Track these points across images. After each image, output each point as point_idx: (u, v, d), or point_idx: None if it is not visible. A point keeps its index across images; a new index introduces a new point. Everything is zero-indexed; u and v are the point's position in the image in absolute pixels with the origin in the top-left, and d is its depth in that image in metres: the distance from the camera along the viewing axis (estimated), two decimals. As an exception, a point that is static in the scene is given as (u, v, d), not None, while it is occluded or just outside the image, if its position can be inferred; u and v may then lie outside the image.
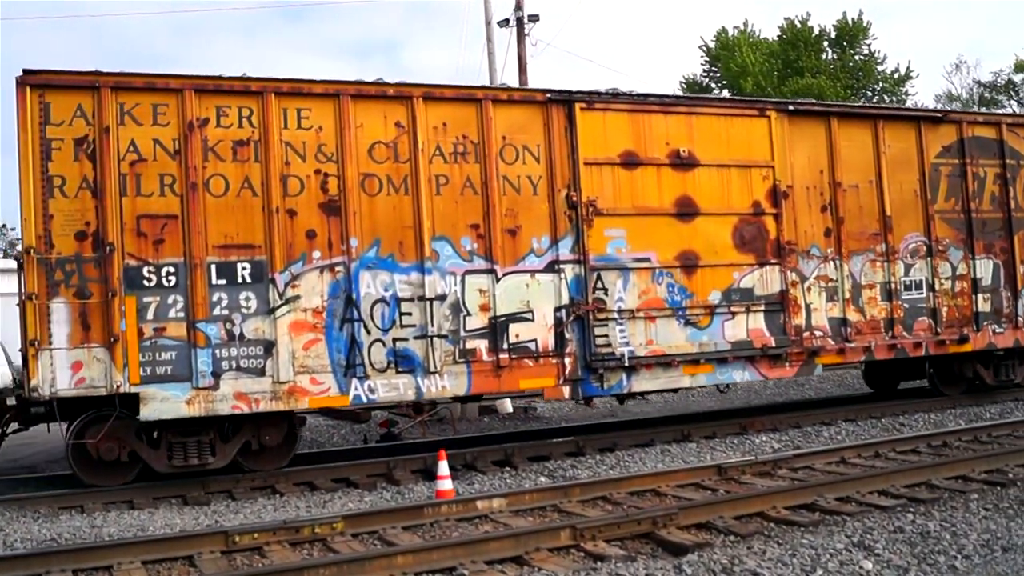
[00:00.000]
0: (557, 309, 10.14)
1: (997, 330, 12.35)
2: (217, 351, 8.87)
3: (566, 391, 10.24)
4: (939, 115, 12.57)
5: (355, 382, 9.35)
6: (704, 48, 44.38)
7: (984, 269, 12.35)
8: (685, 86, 43.93)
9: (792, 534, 6.33)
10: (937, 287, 12.01)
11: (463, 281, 9.82)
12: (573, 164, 10.28)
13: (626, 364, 10.34)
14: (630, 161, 10.56)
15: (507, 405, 14.57)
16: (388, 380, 9.48)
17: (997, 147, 12.52)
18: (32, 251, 8.39)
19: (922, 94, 66.48)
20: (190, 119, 8.91)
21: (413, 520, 7.10)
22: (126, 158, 8.74)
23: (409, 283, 9.60)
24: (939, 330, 11.99)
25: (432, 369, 9.60)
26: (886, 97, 40.88)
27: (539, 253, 10.14)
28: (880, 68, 42.13)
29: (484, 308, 9.86)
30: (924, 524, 6.42)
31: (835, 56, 42.32)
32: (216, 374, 8.85)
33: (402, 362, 9.53)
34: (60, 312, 8.48)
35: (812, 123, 11.56)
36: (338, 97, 9.44)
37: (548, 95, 10.38)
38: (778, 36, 42.53)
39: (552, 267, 10.16)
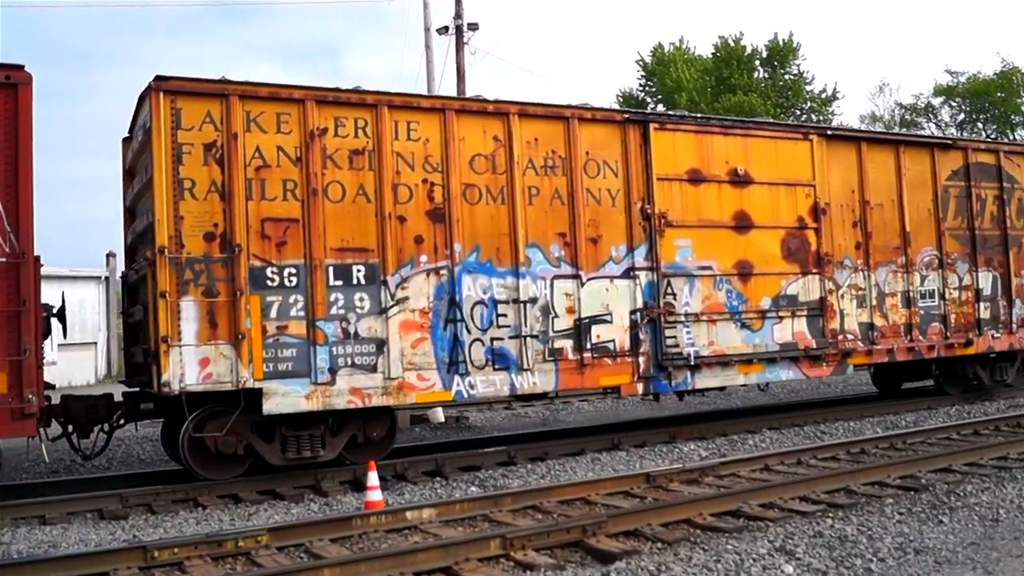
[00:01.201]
0: (632, 312, 10.21)
1: (995, 335, 12.87)
2: (334, 348, 8.69)
3: (640, 388, 10.31)
4: (949, 142, 13.04)
5: (457, 378, 9.25)
6: (641, 63, 43.99)
7: (985, 281, 12.85)
8: (621, 99, 43.48)
9: (717, 540, 6.23)
10: (947, 296, 12.46)
11: (552, 285, 9.80)
12: (647, 179, 10.36)
13: (692, 363, 10.48)
14: (695, 178, 10.69)
15: (439, 415, 13.05)
16: (486, 377, 9.42)
17: (996, 172, 13.04)
18: (164, 251, 8.13)
19: (847, 114, 68.54)
20: (311, 128, 8.71)
21: (341, 532, 6.64)
22: (252, 163, 8.49)
23: (505, 286, 9.55)
24: (948, 335, 12.44)
25: (525, 367, 9.57)
26: (814, 116, 41.32)
27: (617, 260, 10.19)
28: (808, 88, 42.51)
29: (570, 310, 9.86)
30: (842, 528, 6.38)
31: (766, 75, 42.55)
32: (333, 370, 8.66)
33: (498, 360, 9.47)
34: (189, 310, 8.19)
35: (845, 147, 11.87)
36: (443, 112, 9.32)
37: (626, 115, 10.45)
38: (712, 53, 42.55)
39: (628, 273, 10.22)
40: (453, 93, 19.07)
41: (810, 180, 11.42)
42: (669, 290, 10.41)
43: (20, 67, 7.78)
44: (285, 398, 8.46)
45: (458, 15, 20.87)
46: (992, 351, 12.89)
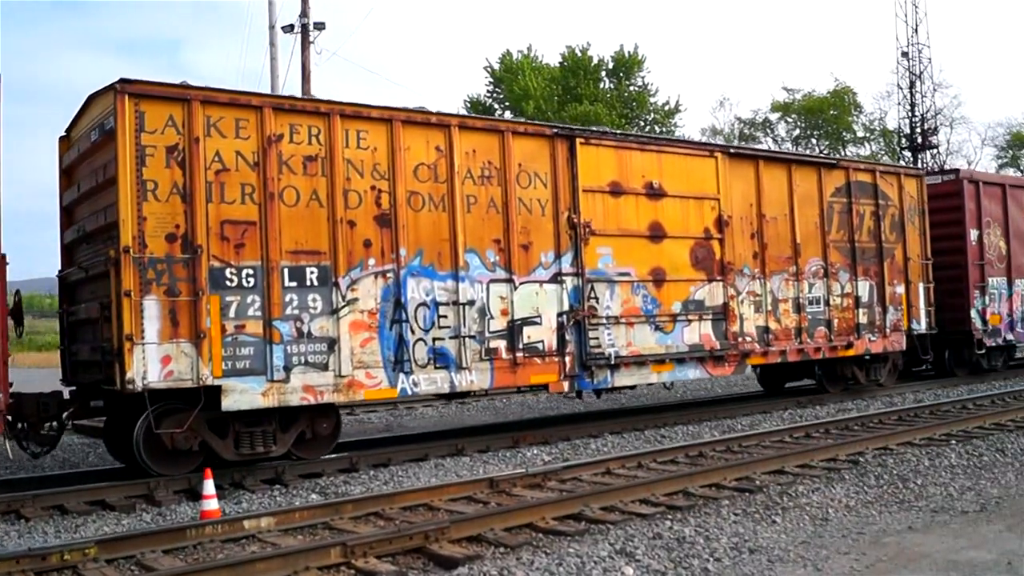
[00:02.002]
0: (560, 314, 11.37)
1: (871, 338, 14.83)
2: (288, 347, 9.42)
3: (566, 385, 11.48)
4: (833, 162, 14.94)
5: (402, 376, 10.15)
6: (489, 69, 45.29)
7: (863, 289, 14.79)
8: (469, 105, 44.79)
9: (559, 543, 6.42)
10: (831, 303, 14.29)
11: (488, 288, 10.83)
12: (573, 190, 11.56)
13: (612, 363, 11.76)
14: (615, 190, 11.98)
15: None
16: (428, 375, 10.36)
17: (873, 190, 15.02)
18: (128, 250, 8.67)
19: (689, 127, 72.60)
20: (268, 134, 9.42)
21: (174, 543, 6.58)
22: (212, 167, 9.12)
23: (445, 289, 10.51)
24: (832, 338, 14.27)
25: (463, 365, 10.56)
26: (657, 128, 43.64)
27: (546, 266, 11.34)
28: (652, 100, 44.97)
29: (504, 312, 10.93)
30: (680, 530, 6.65)
31: (612, 85, 44.66)
32: (287, 368, 9.39)
33: (439, 359, 10.43)
34: (152, 309, 8.75)
35: (745, 164, 13.48)
36: (391, 122, 10.21)
37: (555, 130, 11.63)
38: (560, 63, 44.36)
39: (556, 278, 11.38)
40: (297, 93, 19.18)
41: (715, 194, 12.95)
42: (592, 294, 11.65)
43: (-14, 67, 8.19)
44: (243, 395, 9.14)
45: (304, 13, 20.90)
46: (869, 353, 14.85)
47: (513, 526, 6.83)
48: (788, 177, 13.91)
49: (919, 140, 44.11)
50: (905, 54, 43.90)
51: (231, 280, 9.17)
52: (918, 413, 12.44)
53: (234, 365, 9.11)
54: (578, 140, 11.65)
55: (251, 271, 9.27)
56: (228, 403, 9.05)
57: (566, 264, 11.45)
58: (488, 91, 45.68)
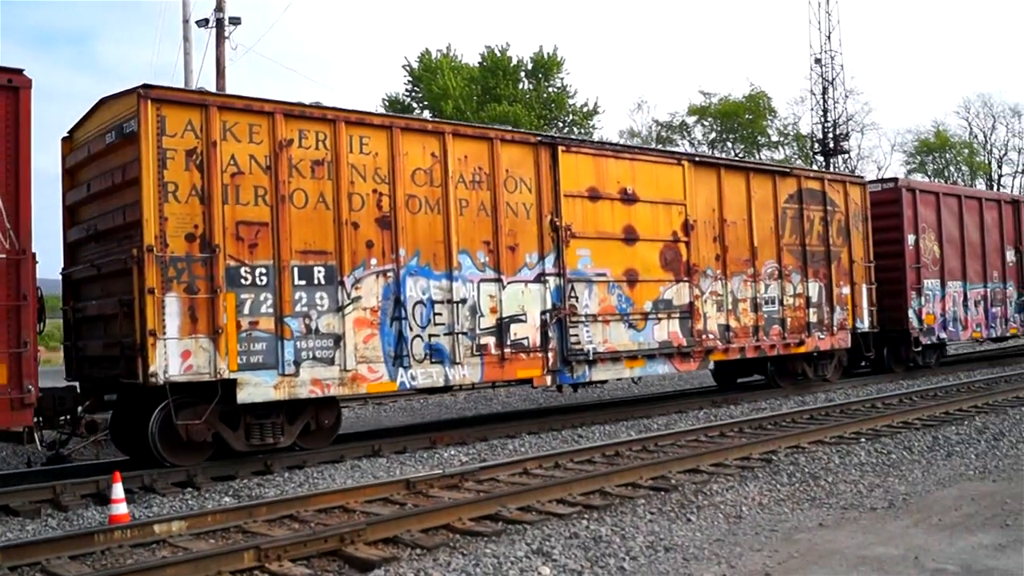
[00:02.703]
0: (543, 312, 12.31)
1: (820, 336, 16.19)
2: (298, 343, 10.13)
3: (548, 379, 12.42)
4: (787, 170, 16.25)
5: (401, 371, 10.94)
6: (407, 68, 45.85)
7: (814, 290, 16.12)
8: (388, 104, 45.25)
9: (476, 544, 6.50)
10: (785, 302, 15.58)
11: (479, 288, 11.70)
12: (556, 195, 12.51)
13: (590, 358, 12.77)
14: (593, 195, 12.99)
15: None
16: (425, 369, 11.18)
17: (822, 197, 16.38)
18: (152, 249, 9.28)
19: (607, 129, 74.72)
20: (280, 139, 10.11)
21: (82, 548, 6.54)
22: (227, 170, 9.78)
23: (440, 288, 11.34)
24: (786, 336, 15.57)
25: (456, 360, 11.41)
26: (576, 129, 44.97)
27: (531, 266, 12.27)
28: (571, 101, 46.18)
29: (493, 310, 11.81)
30: (597, 529, 6.78)
31: (531, 86, 45.76)
32: (297, 363, 10.10)
33: (435, 354, 11.25)
34: (172, 305, 9.37)
35: (708, 172, 14.64)
36: (391, 129, 11.00)
37: (539, 138, 12.58)
38: (479, 63, 45.10)
39: (540, 278, 12.31)
40: (212, 88, 19.15)
41: (682, 200, 14.07)
42: (573, 293, 12.63)
43: (20, 71, 8.71)
44: (257, 388, 9.82)
45: (219, 8, 20.84)
46: (818, 350, 16.20)
47: (430, 527, 6.91)
48: (746, 184, 15.14)
49: (831, 145, 46.64)
50: (818, 60, 46.48)
51: (245, 278, 9.84)
52: (829, 412, 12.96)
53: (248, 360, 9.79)
54: (560, 148, 12.62)
55: (264, 270, 9.96)
56: (243, 396, 9.72)
57: (549, 265, 12.40)
58: (407, 90, 46.17)
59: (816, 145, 48.13)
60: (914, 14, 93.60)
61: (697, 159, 14.69)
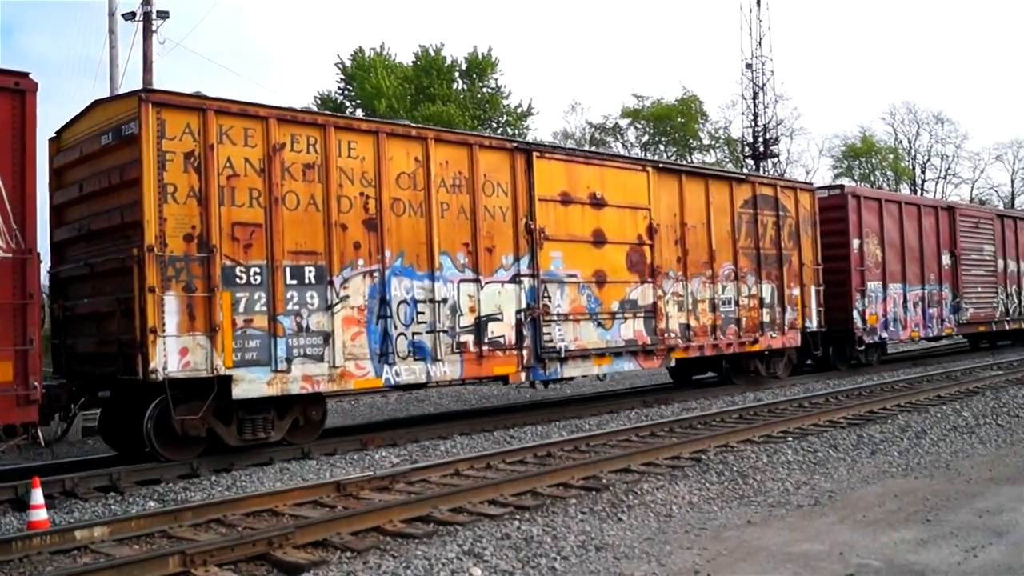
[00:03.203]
0: (518, 312, 12.96)
1: (773, 335, 17.16)
2: (290, 340, 10.59)
3: (523, 376, 13.08)
4: (743, 176, 17.20)
5: (386, 367, 11.48)
6: (340, 66, 45.81)
7: (767, 291, 17.08)
8: (319, 102, 45.15)
9: (407, 546, 6.53)
10: (740, 303, 16.50)
11: (458, 288, 12.28)
12: (530, 199, 13.17)
13: (562, 356, 13.47)
14: (565, 199, 13.68)
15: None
16: (408, 366, 11.73)
17: (774, 202, 17.38)
18: (152, 249, 9.67)
19: (541, 130, 75.85)
20: (273, 143, 10.57)
21: None
22: (223, 172, 10.20)
23: (423, 288, 11.90)
24: (741, 334, 16.49)
25: (438, 357, 11.99)
26: (509, 130, 45.28)
27: (507, 268, 12.90)
28: (505, 102, 46.48)
29: (472, 309, 12.42)
30: (528, 529, 6.85)
31: (465, 87, 46.03)
32: (289, 359, 10.56)
33: (417, 351, 11.81)
34: (171, 304, 9.77)
35: (670, 178, 15.47)
36: (377, 134, 11.50)
37: (515, 144, 13.24)
38: (413, 62, 45.19)
39: (515, 279, 12.96)
40: (139, 84, 19.31)
41: (647, 204, 14.87)
42: (546, 294, 13.31)
43: (26, 74, 9.02)
44: (251, 384, 10.27)
45: (147, 1, 20.65)
46: (770, 348, 17.18)
47: (360, 530, 6.91)
48: (705, 190, 16.01)
49: (761, 149, 48.20)
50: (749, 66, 47.98)
51: (240, 278, 10.29)
52: (757, 411, 13.23)
53: (243, 356, 10.23)
54: (535, 154, 13.30)
55: (258, 269, 10.41)
56: (238, 391, 10.16)
57: (524, 266, 13.06)
58: (339, 88, 46.10)
59: (746, 149, 49.64)
60: (842, 22, 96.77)
61: (661, 166, 15.52)
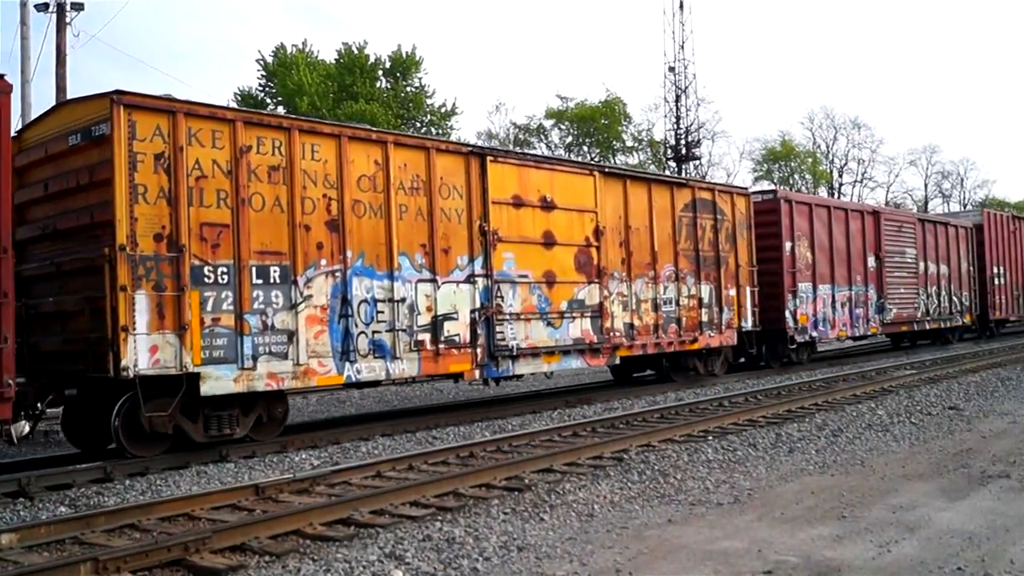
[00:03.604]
0: (473, 311, 13.59)
1: (711, 334, 18.12)
2: (256, 338, 11.02)
3: (477, 373, 13.70)
4: (683, 181, 18.10)
5: (348, 365, 11.98)
6: (261, 62, 46.11)
7: (705, 291, 18.01)
8: (240, 98, 45.40)
9: (328, 549, 6.54)
10: (681, 303, 17.40)
11: (416, 287, 12.85)
12: (484, 202, 13.79)
13: (514, 354, 14.14)
14: (517, 202, 14.34)
15: (23, 428, 11.81)
16: (369, 363, 12.25)
17: (712, 206, 18.33)
18: (124, 248, 10.02)
19: (465, 130, 76.85)
20: (240, 145, 10.98)
21: None
22: (192, 174, 10.57)
23: (382, 288, 12.43)
24: (681, 334, 17.40)
25: (397, 355, 12.54)
26: (433, 129, 46.29)
27: (462, 268, 13.51)
28: (429, 101, 47.55)
29: (429, 309, 12.99)
30: (450, 531, 6.90)
31: (389, 85, 46.78)
32: (255, 357, 10.98)
33: (377, 350, 12.34)
34: (142, 302, 10.12)
35: (616, 182, 16.26)
36: (339, 138, 11.99)
37: (470, 148, 13.87)
38: (336, 60, 45.79)
39: (470, 279, 13.58)
40: (52, 78, 19.49)
41: (593, 208, 15.64)
42: (499, 294, 13.96)
43: (1, 76, 9.31)
44: (218, 381, 10.68)
45: None
46: (708, 347, 18.14)
47: (279, 533, 6.90)
48: (648, 194, 16.86)
49: (683, 151, 49.79)
50: (672, 69, 49.56)
51: (209, 277, 10.68)
52: (679, 411, 13.49)
53: (211, 354, 10.63)
54: (488, 158, 13.94)
55: (225, 269, 10.82)
56: (206, 388, 10.56)
57: (478, 267, 13.69)
58: (260, 85, 46.21)
59: (669, 151, 51.11)
60: (764, 28, 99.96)
61: (607, 170, 16.31)
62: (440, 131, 45.95)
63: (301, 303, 11.49)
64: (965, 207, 79.09)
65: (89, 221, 10.38)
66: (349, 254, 12.03)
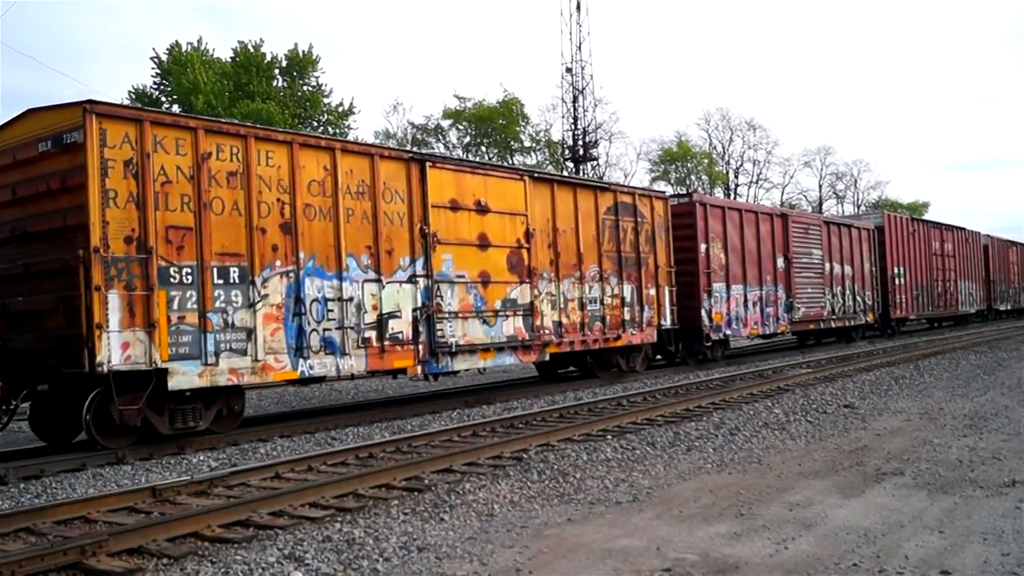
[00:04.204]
0: (415, 310, 14.93)
1: (633, 332, 19.83)
2: (217, 335, 12.14)
3: (419, 369, 15.05)
4: (606, 186, 19.78)
5: (301, 361, 13.18)
6: (156, 60, 46.40)
7: (628, 291, 19.72)
8: (134, 96, 45.68)
9: (226, 551, 6.65)
10: (605, 302, 19.06)
11: (363, 287, 14.13)
12: (424, 206, 15.17)
13: (453, 350, 15.53)
14: (455, 206, 15.76)
15: None
16: (320, 359, 13.48)
17: (633, 209, 20.06)
18: (98, 250, 11.04)
19: (363, 129, 77.51)
20: (201, 152, 12.12)
21: None
22: (158, 179, 11.65)
23: (332, 287, 13.67)
24: (606, 331, 19.05)
25: (345, 352, 13.79)
26: (331, 128, 47.21)
27: (404, 268, 14.84)
28: (326, 101, 48.56)
29: (374, 307, 14.28)
30: (350, 532, 7.03)
31: (286, 84, 47.65)
32: (217, 353, 12.11)
33: (328, 346, 13.58)
34: (114, 301, 11.16)
35: (543, 186, 17.79)
36: (291, 144, 13.21)
37: (411, 154, 15.21)
38: (231, 58, 46.36)
39: (412, 279, 14.92)
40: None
41: (524, 211, 17.15)
42: (439, 293, 15.34)
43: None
44: (184, 376, 11.78)
45: None
46: (631, 344, 19.85)
47: (177, 536, 7.02)
48: (574, 198, 18.46)
49: (581, 152, 51.70)
50: (569, 70, 51.42)
51: (174, 277, 11.77)
52: (577, 411, 13.98)
53: (177, 351, 11.72)
54: (428, 164, 15.32)
55: (189, 270, 11.92)
56: (173, 383, 11.65)
57: (419, 267, 15.04)
58: (155, 83, 46.44)
59: (567, 152, 52.95)
60: (660, 30, 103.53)
61: (536, 175, 17.86)
62: (338, 131, 46.71)
63: (259, 302, 12.65)
64: (859, 208, 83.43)
65: (61, 224, 11.36)
66: (302, 255, 13.24)
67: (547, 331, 17.52)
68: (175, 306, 11.75)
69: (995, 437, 10.63)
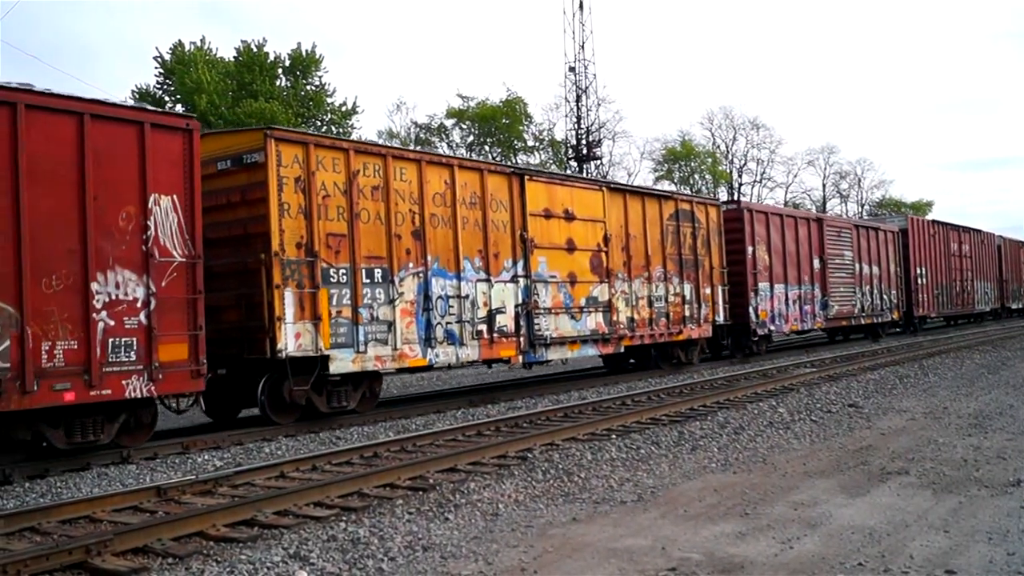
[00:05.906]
0: (517, 306, 16.91)
1: (692, 327, 21.77)
2: (366, 327, 14.13)
3: (520, 359, 17.03)
4: (669, 194, 21.80)
5: (429, 350, 15.16)
6: (159, 60, 46.28)
7: (687, 290, 21.72)
8: (137, 95, 45.60)
9: (231, 551, 6.66)
10: (669, 300, 21.05)
11: (476, 286, 16.10)
12: (523, 214, 17.15)
13: (547, 342, 17.52)
14: (547, 214, 17.73)
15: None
16: (444, 349, 15.45)
17: (691, 216, 22.08)
18: (278, 255, 13.02)
19: (366, 129, 77.79)
20: (352, 169, 14.12)
21: None
22: (320, 193, 13.65)
23: (452, 286, 15.65)
24: (670, 326, 21.06)
25: (463, 342, 15.77)
26: (334, 128, 47.16)
27: (508, 270, 16.82)
28: (330, 100, 48.34)
29: (485, 304, 16.26)
30: (355, 531, 7.03)
31: (289, 83, 47.43)
32: (365, 343, 14.09)
33: (450, 338, 15.58)
34: (289, 298, 13.17)
35: (617, 195, 19.79)
36: (420, 162, 15.22)
37: (512, 169, 17.24)
38: (235, 57, 46.18)
39: (514, 279, 16.90)
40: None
41: (602, 218, 19.14)
42: (535, 291, 17.31)
43: (192, 117, 12.24)
44: (342, 362, 13.74)
45: None
46: (690, 338, 21.85)
47: (182, 535, 7.02)
48: (642, 205, 20.46)
49: (584, 151, 52.50)
50: (572, 69, 51.79)
51: (333, 277, 13.75)
52: (582, 410, 14.15)
53: (336, 340, 13.69)
54: (526, 177, 17.33)
55: (344, 271, 13.90)
56: (334, 368, 13.63)
57: (519, 269, 17.02)
58: (158, 82, 46.49)
59: (570, 151, 53.51)
60: (663, 29, 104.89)
61: (612, 186, 19.89)
62: (341, 130, 47.04)
63: (397, 299, 14.63)
64: (863, 207, 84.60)
65: (242, 232, 13.33)
66: (429, 258, 15.22)
67: (622, 325, 19.50)
68: (334, 302, 13.71)
69: (1000, 436, 10.69)
